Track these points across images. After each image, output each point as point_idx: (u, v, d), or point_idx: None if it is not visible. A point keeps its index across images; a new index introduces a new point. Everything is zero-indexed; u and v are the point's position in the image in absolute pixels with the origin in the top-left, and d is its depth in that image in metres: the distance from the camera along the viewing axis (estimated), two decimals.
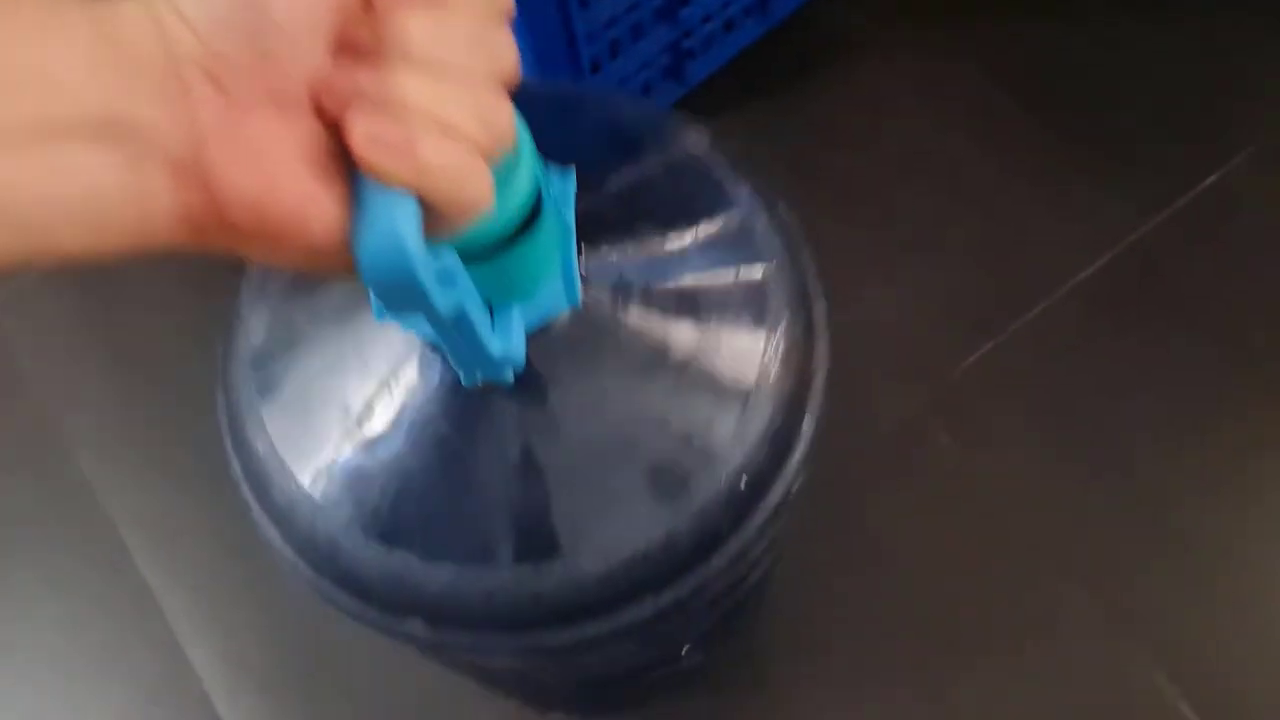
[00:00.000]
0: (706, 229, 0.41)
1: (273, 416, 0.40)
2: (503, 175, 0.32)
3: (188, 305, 0.83)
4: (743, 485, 0.39)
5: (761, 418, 0.39)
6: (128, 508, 0.85)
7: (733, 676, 0.74)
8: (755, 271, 0.41)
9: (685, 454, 0.39)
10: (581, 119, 0.43)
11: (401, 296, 0.27)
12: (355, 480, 0.39)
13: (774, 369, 0.40)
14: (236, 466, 0.42)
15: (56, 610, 0.83)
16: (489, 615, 0.39)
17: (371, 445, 0.38)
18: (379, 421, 0.39)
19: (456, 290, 0.29)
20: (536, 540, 0.38)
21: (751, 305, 0.40)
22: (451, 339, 0.32)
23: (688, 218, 0.41)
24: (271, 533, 0.41)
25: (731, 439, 0.39)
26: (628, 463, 0.38)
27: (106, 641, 0.81)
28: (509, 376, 0.35)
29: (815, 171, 0.93)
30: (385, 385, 0.39)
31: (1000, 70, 0.96)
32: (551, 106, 0.41)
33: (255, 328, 0.42)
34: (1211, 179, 0.90)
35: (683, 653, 0.54)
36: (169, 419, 0.87)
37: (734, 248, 0.41)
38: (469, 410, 0.38)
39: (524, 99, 0.30)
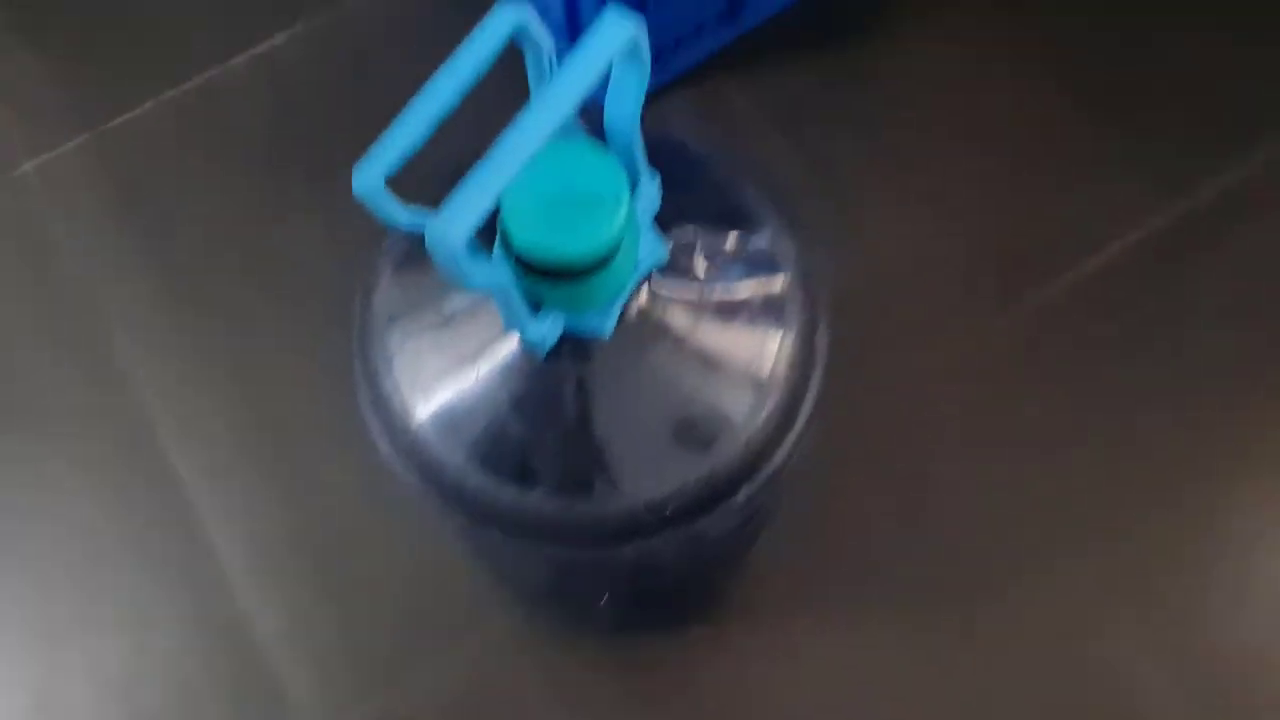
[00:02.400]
0: (735, 247, 0.51)
1: (399, 362, 0.51)
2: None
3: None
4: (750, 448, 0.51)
5: (772, 399, 0.51)
6: (160, 391, 0.88)
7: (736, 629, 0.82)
8: (775, 285, 0.52)
9: (711, 421, 0.50)
10: (699, 176, 0.54)
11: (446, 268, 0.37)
12: (460, 417, 0.50)
13: (784, 363, 0.51)
14: (365, 400, 0.53)
15: (81, 485, 0.86)
16: (558, 530, 0.50)
17: (473, 390, 0.50)
18: (479, 372, 0.49)
19: (491, 277, 0.40)
20: (592, 475, 0.50)
21: (769, 311, 0.51)
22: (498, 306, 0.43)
23: (719, 238, 0.51)
24: (391, 453, 0.53)
25: (748, 413, 0.50)
26: (664, 424, 0.50)
27: (129, 522, 0.85)
28: (541, 354, 0.46)
29: (860, 126, 0.95)
30: (486, 345, 0.49)
31: (1048, 57, 1.01)
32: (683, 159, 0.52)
33: (387, 286, 0.54)
34: (1236, 172, 0.94)
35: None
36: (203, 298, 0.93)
37: (758, 264, 0.52)
38: (543, 372, 0.48)
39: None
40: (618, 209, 0.40)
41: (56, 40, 1.04)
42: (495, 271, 0.41)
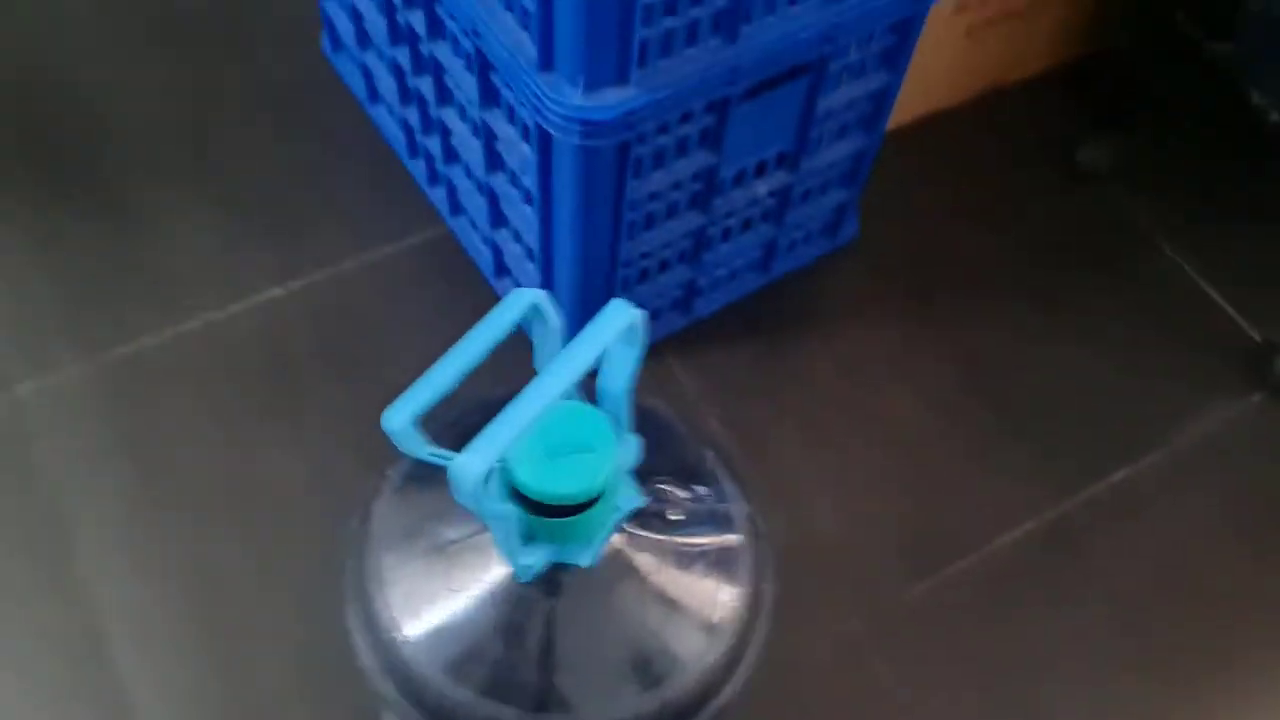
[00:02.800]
0: (696, 503, 0.59)
1: (392, 582, 0.58)
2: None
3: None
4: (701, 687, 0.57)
5: (721, 642, 0.57)
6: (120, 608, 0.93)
7: None
8: (729, 540, 0.60)
9: (665, 659, 0.56)
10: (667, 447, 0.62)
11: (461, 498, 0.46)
12: (445, 636, 0.56)
13: (734, 611, 0.58)
14: (355, 614, 0.59)
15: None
16: None
17: (459, 614, 0.56)
18: (467, 597, 0.56)
19: (498, 510, 0.49)
20: (557, 698, 0.56)
21: (723, 563, 0.58)
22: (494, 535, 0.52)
23: (683, 493, 0.59)
24: (374, 666, 0.58)
25: (699, 655, 0.57)
26: (624, 658, 0.56)
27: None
28: (526, 579, 0.53)
29: (787, 410, 1.08)
30: (474, 573, 0.56)
31: (958, 357, 1.16)
32: (657, 424, 0.59)
33: (383, 516, 0.61)
34: (1123, 473, 1.06)
35: None
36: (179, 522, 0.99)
37: (715, 521, 0.60)
38: (523, 600, 0.55)
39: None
40: (606, 460, 0.49)
41: (72, 272, 1.13)
42: (501, 506, 0.49)
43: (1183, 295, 1.22)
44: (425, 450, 0.48)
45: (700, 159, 0.93)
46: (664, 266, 1.04)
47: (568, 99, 0.79)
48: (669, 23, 0.78)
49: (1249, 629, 1.02)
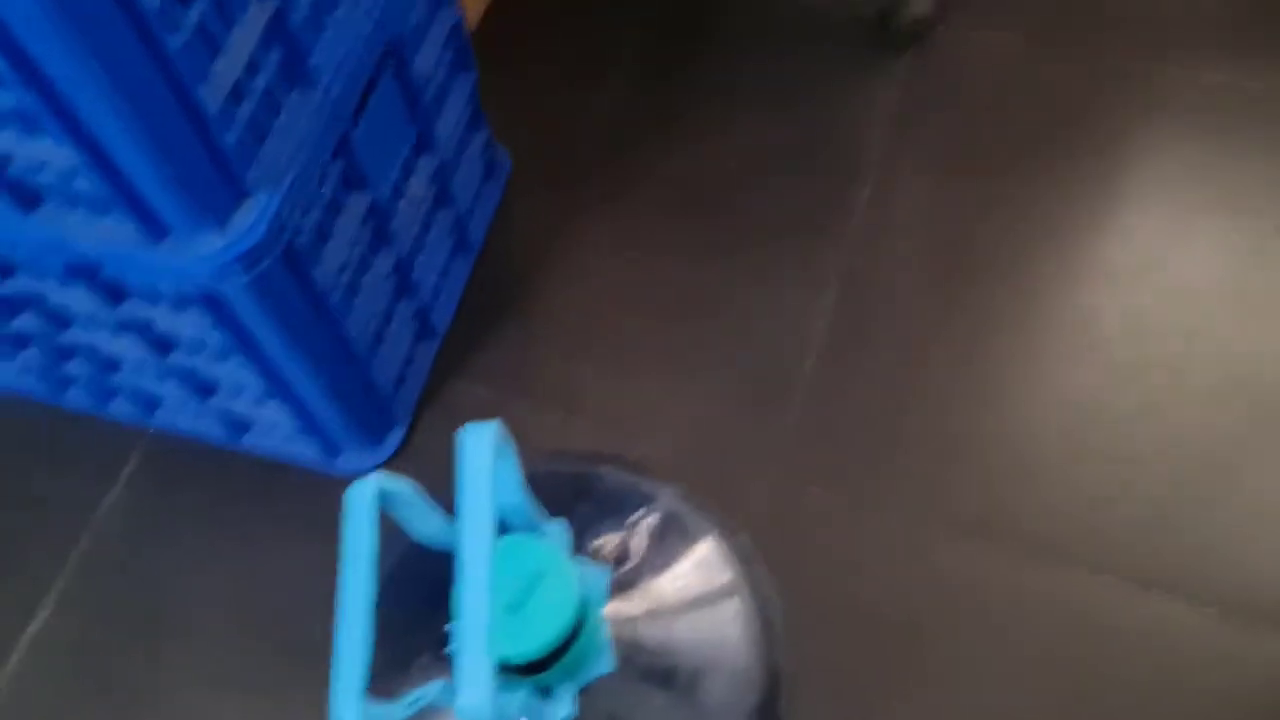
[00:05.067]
0: (640, 537, 0.57)
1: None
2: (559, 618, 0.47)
3: None
4: None
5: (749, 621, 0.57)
6: None
7: None
8: (700, 548, 0.58)
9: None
10: (582, 488, 0.59)
11: None
12: None
13: (740, 598, 0.57)
14: None
15: None
16: None
17: None
18: None
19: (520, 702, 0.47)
20: None
21: (706, 567, 0.57)
22: None
23: (629, 539, 0.57)
24: None
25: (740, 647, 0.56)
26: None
27: None
28: None
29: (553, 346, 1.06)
30: None
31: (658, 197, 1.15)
32: (563, 483, 0.56)
33: None
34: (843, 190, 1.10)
35: None
36: None
37: (674, 534, 0.58)
38: None
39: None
40: (565, 572, 0.47)
41: None
42: (514, 698, 0.46)
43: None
44: (401, 710, 0.43)
45: (356, 202, 0.86)
46: (389, 318, 0.97)
47: (208, 248, 0.70)
48: (246, 109, 0.70)
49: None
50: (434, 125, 0.96)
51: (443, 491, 1.00)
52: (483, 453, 0.44)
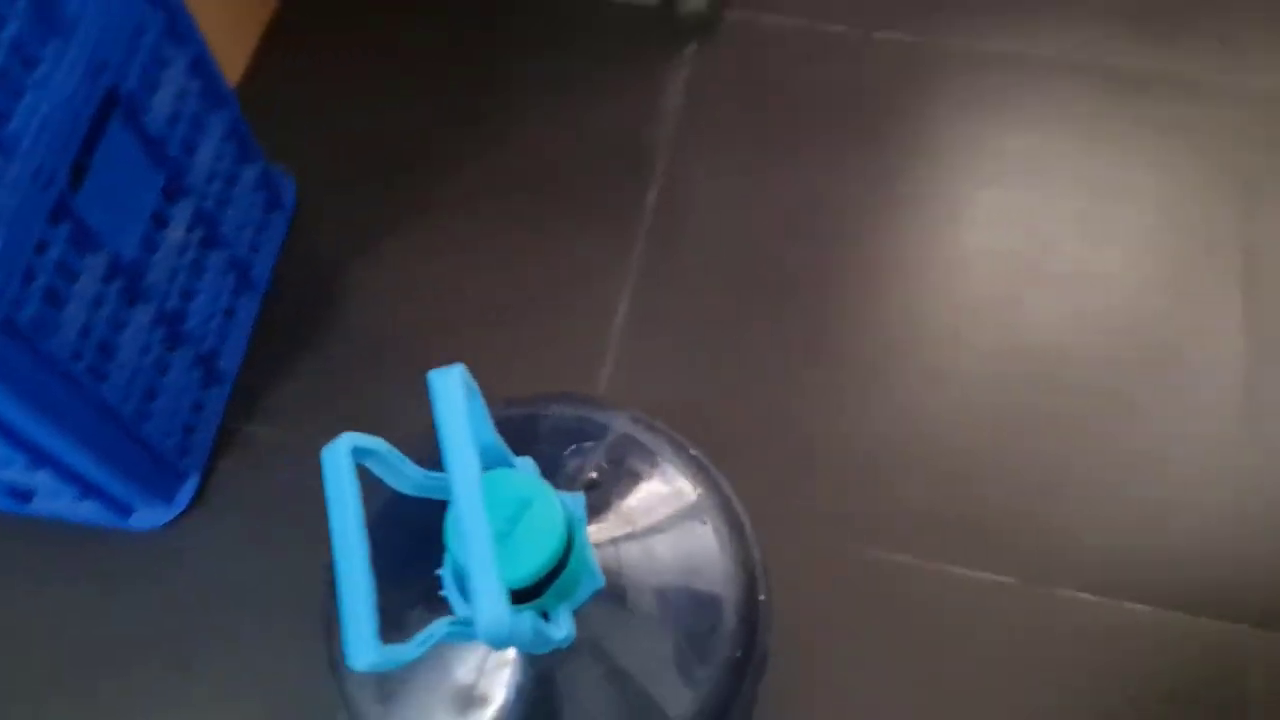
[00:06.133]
0: (662, 503, 0.60)
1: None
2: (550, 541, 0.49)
3: None
4: None
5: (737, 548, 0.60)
6: None
7: None
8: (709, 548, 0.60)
9: (669, 678, 0.57)
10: (538, 429, 0.62)
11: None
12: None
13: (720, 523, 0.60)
14: None
15: None
16: None
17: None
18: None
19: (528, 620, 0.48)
20: None
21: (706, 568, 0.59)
22: (531, 648, 0.52)
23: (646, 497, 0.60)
24: None
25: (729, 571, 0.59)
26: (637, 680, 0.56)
27: None
28: (566, 645, 0.53)
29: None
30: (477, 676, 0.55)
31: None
32: (518, 426, 0.58)
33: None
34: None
35: None
36: None
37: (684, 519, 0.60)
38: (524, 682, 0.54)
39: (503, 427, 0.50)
40: (551, 500, 0.49)
41: None
42: (526, 616, 0.47)
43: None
44: (412, 650, 0.46)
45: (94, 263, 0.82)
46: (163, 370, 0.94)
47: None
48: None
49: None
50: (186, 168, 0.92)
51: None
52: (454, 391, 0.47)
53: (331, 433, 1.11)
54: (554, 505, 0.49)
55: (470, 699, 0.55)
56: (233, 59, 1.20)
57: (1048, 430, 1.01)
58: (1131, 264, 1.09)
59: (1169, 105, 1.17)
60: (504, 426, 0.52)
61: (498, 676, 0.55)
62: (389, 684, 0.56)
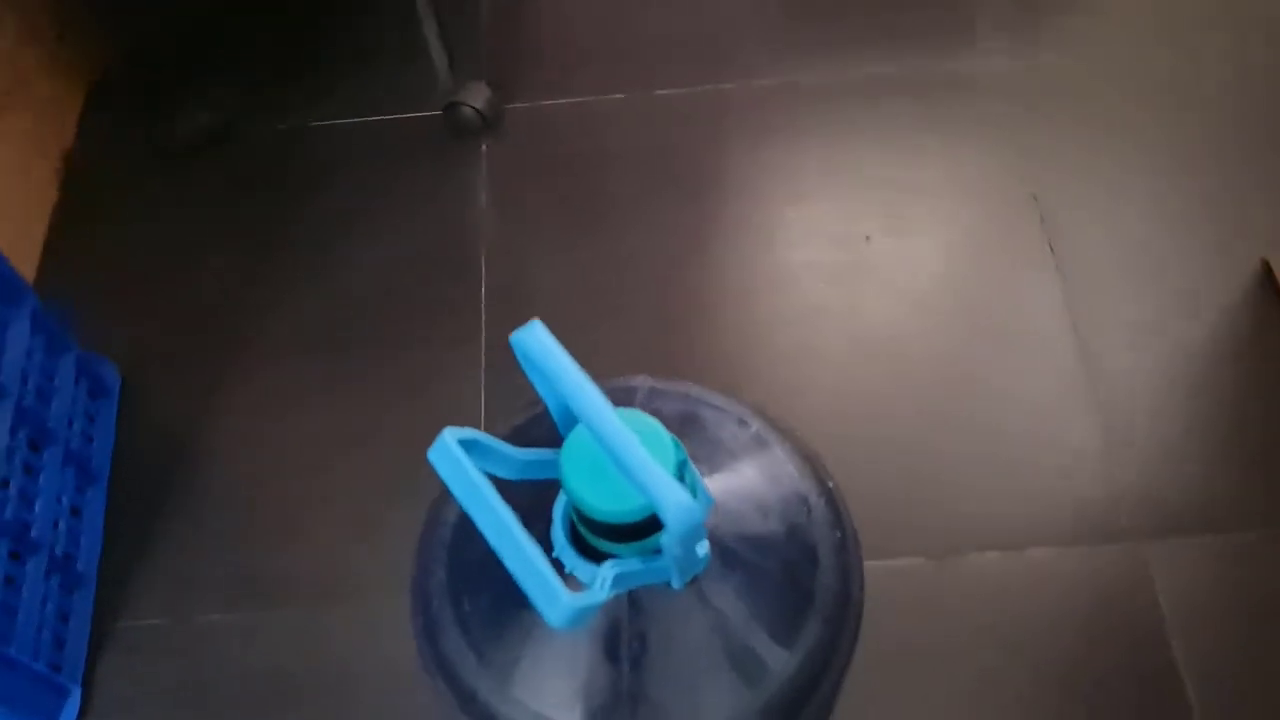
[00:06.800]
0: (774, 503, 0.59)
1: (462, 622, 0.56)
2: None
3: None
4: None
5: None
6: None
7: None
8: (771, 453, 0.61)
9: (750, 664, 0.55)
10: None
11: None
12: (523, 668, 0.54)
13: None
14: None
15: None
16: None
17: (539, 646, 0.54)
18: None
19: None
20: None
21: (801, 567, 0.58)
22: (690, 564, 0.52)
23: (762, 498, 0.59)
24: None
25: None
26: (715, 665, 0.54)
27: None
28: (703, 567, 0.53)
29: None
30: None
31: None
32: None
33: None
34: None
35: None
36: None
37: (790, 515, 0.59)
38: (601, 625, 0.53)
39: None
40: (659, 433, 0.49)
41: None
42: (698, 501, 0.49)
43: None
44: (598, 594, 0.47)
45: None
46: (16, 586, 0.87)
47: None
48: None
49: None
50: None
51: None
52: (543, 340, 0.46)
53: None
54: (663, 435, 0.49)
55: (575, 659, 0.54)
56: (24, 253, 1.16)
57: (909, 417, 1.05)
58: (941, 249, 1.16)
59: (946, 100, 1.26)
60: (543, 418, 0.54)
61: (597, 634, 0.54)
62: (492, 651, 0.55)
